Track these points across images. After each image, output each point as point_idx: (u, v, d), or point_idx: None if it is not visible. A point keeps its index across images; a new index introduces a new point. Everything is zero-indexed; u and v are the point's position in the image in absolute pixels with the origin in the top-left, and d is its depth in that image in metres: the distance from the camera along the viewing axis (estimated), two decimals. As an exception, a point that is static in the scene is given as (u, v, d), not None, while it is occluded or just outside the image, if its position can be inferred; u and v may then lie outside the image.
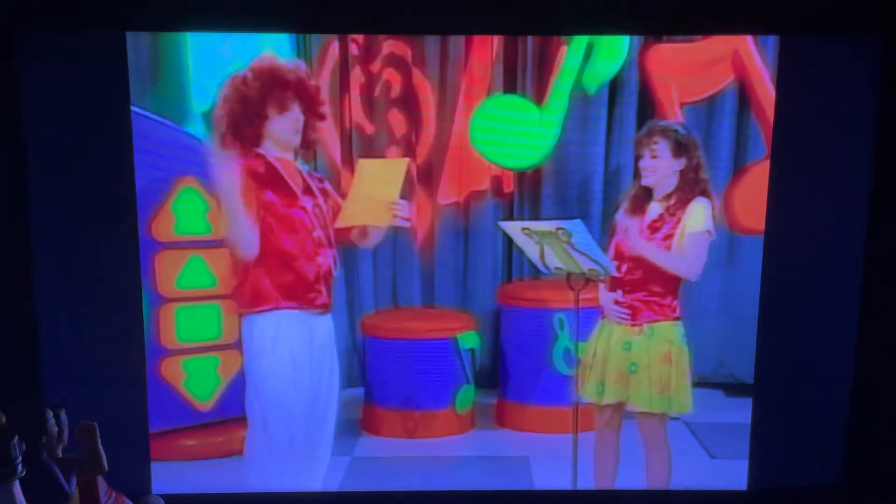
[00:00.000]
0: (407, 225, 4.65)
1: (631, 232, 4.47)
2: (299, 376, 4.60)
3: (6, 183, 4.36)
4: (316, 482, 4.73)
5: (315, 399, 4.64)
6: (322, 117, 4.53)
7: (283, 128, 4.42)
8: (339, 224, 4.57)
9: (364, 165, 4.62)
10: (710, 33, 4.52)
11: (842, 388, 4.69)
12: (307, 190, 4.50)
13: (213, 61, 4.43)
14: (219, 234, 4.60)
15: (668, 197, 4.44)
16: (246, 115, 4.39)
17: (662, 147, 4.40)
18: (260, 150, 4.43)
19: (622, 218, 4.52)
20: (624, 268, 4.52)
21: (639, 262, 4.49)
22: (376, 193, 4.54)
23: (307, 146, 4.52)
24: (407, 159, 4.67)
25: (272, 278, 4.50)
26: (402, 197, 4.55)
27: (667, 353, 4.50)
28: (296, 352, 4.57)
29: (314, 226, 4.51)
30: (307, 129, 4.47)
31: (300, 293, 4.52)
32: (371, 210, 4.57)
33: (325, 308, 4.58)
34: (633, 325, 4.52)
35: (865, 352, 4.64)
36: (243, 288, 4.54)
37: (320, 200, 4.53)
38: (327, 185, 4.60)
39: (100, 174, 4.40)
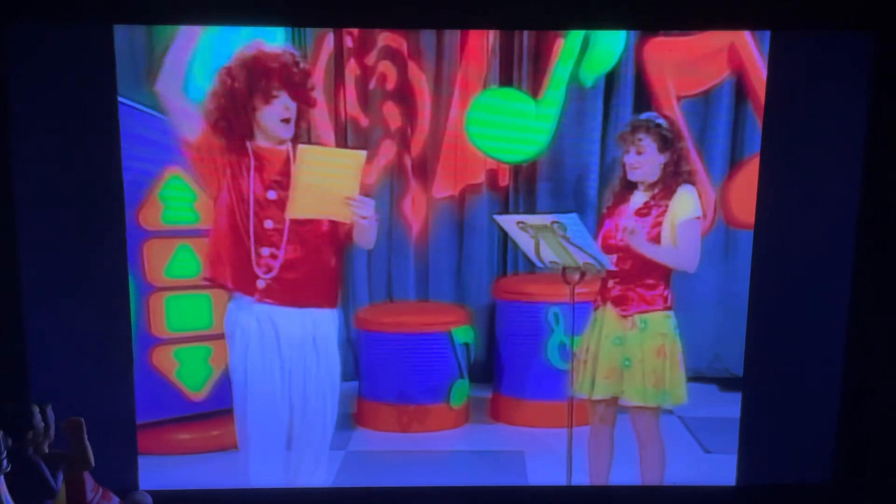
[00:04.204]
0: (366, 224, 4.43)
1: (637, 235, 4.42)
2: (242, 365, 4.59)
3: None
4: (305, 479, 4.72)
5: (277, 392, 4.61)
6: (311, 103, 4.44)
7: (269, 118, 4.35)
8: (289, 215, 4.42)
9: (304, 152, 4.38)
10: (702, 29, 4.49)
11: (832, 385, 4.67)
12: (277, 184, 4.42)
13: (204, 53, 4.39)
14: (206, 223, 4.55)
15: (653, 186, 4.41)
16: (233, 107, 4.32)
17: (648, 143, 4.38)
18: (247, 143, 4.39)
19: (627, 220, 4.46)
20: (614, 258, 4.49)
21: (628, 251, 4.46)
22: (326, 185, 4.36)
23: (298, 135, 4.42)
24: (364, 152, 4.47)
25: (225, 262, 4.49)
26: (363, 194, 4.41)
27: (660, 346, 4.47)
28: (243, 340, 4.56)
29: (266, 217, 4.42)
30: (299, 118, 4.40)
31: (240, 280, 4.48)
32: (321, 202, 4.39)
33: (264, 298, 4.50)
34: (624, 318, 4.48)
35: (855, 348, 4.63)
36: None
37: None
38: None
39: (87, 164, 4.36)
